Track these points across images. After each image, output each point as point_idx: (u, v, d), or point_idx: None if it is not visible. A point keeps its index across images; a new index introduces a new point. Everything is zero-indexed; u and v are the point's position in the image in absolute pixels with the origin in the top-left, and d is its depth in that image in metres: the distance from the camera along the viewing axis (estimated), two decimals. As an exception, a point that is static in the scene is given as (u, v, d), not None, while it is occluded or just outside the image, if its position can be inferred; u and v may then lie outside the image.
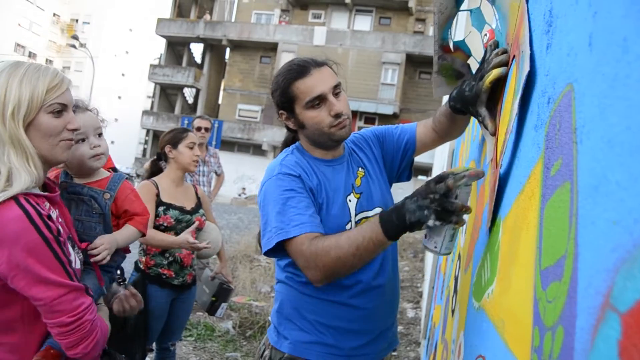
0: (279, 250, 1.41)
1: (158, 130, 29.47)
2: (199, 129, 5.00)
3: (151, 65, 31.60)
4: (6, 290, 1.17)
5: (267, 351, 1.59)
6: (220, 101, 32.43)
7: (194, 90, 32.59)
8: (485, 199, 1.36)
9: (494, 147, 1.30)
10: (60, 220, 1.29)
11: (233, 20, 31.73)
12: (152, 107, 32.44)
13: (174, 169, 2.85)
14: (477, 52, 1.49)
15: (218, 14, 32.41)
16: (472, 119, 1.58)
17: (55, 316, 1.16)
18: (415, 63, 28.34)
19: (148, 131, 30.76)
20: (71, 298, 1.16)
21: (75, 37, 28.69)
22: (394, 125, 1.75)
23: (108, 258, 1.55)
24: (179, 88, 31.60)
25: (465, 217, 1.15)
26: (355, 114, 27.77)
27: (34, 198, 1.16)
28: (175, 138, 2.87)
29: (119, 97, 43.71)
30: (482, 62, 1.31)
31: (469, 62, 1.51)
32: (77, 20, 46.48)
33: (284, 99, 1.52)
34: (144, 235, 1.79)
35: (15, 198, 1.11)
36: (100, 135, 1.63)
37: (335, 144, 1.55)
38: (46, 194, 1.25)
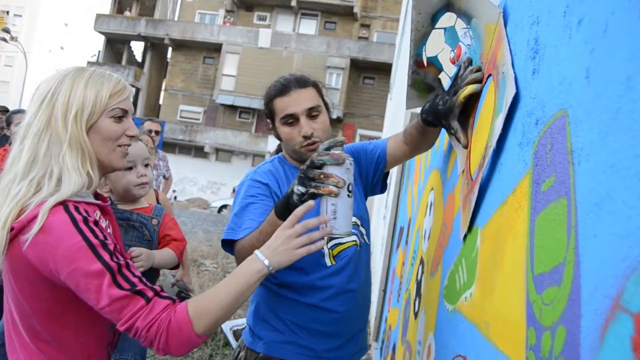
0: (228, 247, 1.54)
1: (95, 129, 28.52)
2: (149, 131, 4.92)
3: (89, 63, 30.49)
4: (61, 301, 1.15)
5: (242, 352, 1.64)
6: (161, 101, 31.78)
7: (133, 89, 31.75)
8: (456, 208, 1.45)
9: (466, 159, 1.38)
10: (109, 230, 1.26)
11: (176, 19, 31.19)
12: (89, 105, 31.39)
13: None
14: (448, 67, 1.58)
15: (160, 12, 31.77)
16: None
17: (116, 322, 1.11)
18: (359, 68, 28.80)
19: (85, 130, 29.74)
20: (119, 306, 1.08)
21: (6, 30, 27.39)
22: (367, 141, 1.84)
23: (141, 270, 1.55)
24: (118, 87, 30.71)
25: (335, 188, 1.26)
26: (299, 117, 27.85)
27: (84, 206, 1.14)
28: None
29: (54, 94, 41.83)
30: (455, 78, 1.40)
31: (440, 76, 1.60)
32: (7, 12, 44.28)
33: (267, 111, 1.65)
34: (178, 263, 1.79)
35: (64, 205, 1.10)
36: (147, 165, 1.66)
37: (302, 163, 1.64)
38: (98, 202, 1.23)
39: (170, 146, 27.04)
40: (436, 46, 1.53)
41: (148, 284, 1.14)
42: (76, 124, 1.15)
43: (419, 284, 2.06)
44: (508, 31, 1.11)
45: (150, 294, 1.11)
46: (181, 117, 29.46)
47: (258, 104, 27.80)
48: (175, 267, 1.77)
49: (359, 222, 1.71)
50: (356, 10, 28.89)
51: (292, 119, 1.57)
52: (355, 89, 29.14)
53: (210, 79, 29.78)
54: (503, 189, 1.00)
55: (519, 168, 0.92)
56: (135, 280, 1.11)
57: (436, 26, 1.47)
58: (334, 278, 1.59)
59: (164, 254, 1.72)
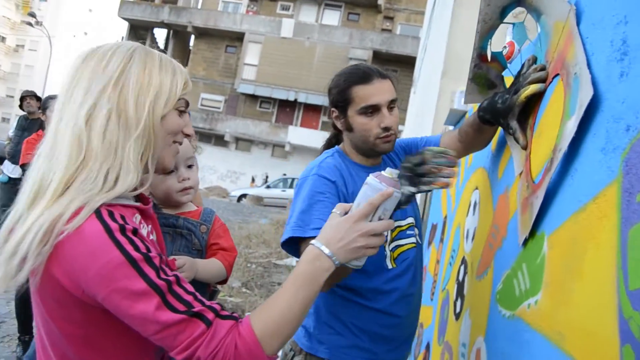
0: (292, 246, 1.44)
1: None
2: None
3: (112, 50, 30.70)
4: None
5: (299, 357, 1.60)
6: (183, 89, 31.92)
7: (156, 77, 31.97)
8: (511, 210, 1.41)
9: (525, 161, 1.34)
10: (152, 237, 1.08)
11: (199, 7, 31.23)
12: (112, 93, 31.63)
13: None
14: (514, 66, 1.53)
15: (184, 0, 31.84)
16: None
17: (169, 350, 0.93)
18: (381, 60, 28.57)
19: (108, 117, 29.88)
20: (174, 332, 0.90)
21: (32, 15, 27.71)
22: (419, 137, 1.80)
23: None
24: (141, 74, 30.87)
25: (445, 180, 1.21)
26: (319, 108, 27.84)
27: (119, 210, 0.95)
28: None
29: (77, 80, 42.21)
30: (518, 76, 1.35)
31: (503, 74, 1.55)
32: (33, -3, 44.84)
33: (340, 99, 1.55)
34: (226, 277, 1.57)
35: (96, 211, 0.91)
36: (190, 166, 1.50)
37: (376, 155, 1.61)
38: (138, 204, 1.04)
39: (191, 134, 27.15)
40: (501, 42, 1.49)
41: (205, 301, 0.96)
42: (151, 111, 0.99)
43: (460, 284, 2.02)
44: (582, 30, 1.07)
45: (210, 315, 0.93)
46: (202, 105, 29.58)
47: (279, 93, 27.79)
48: (223, 282, 1.56)
49: (413, 223, 1.67)
50: (380, 2, 28.67)
51: (372, 109, 1.51)
52: (377, 81, 28.92)
53: (232, 68, 29.83)
54: (579, 196, 0.96)
55: (601, 175, 0.88)
56: (189, 298, 0.93)
57: (505, 20, 1.42)
58: (397, 281, 1.57)
59: (210, 265, 1.50)
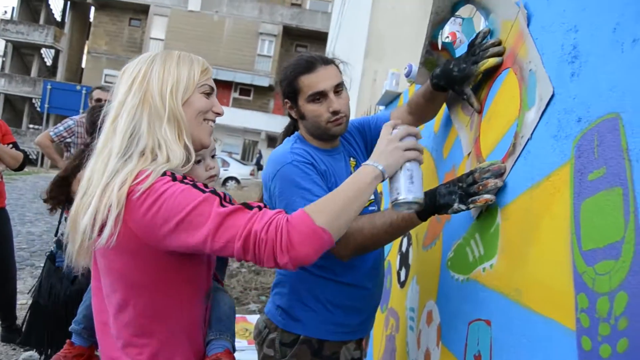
0: None
1: (10, 94, 26.67)
2: (98, 100, 4.76)
3: (2, 20, 28.26)
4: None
5: (274, 334, 1.66)
6: (83, 65, 30.18)
7: (52, 51, 29.91)
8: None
9: (473, 142, 1.52)
10: None
11: (99, -24, 29.47)
12: (2, 68, 29.22)
13: None
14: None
15: (82, -32, 29.89)
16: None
17: (228, 249, 1.07)
18: (292, 36, 28.59)
19: (-2, 94, 27.56)
20: (231, 220, 1.06)
21: None
22: (369, 116, 1.92)
23: None
24: (36, 48, 28.70)
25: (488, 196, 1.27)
26: (230, 84, 27.47)
27: (179, 177, 1.15)
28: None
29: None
30: (472, 45, 1.48)
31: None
32: None
33: (290, 90, 1.63)
34: None
35: (162, 174, 1.12)
36: (213, 156, 1.59)
37: (330, 138, 1.68)
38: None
39: (94, 111, 25.83)
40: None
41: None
42: (173, 98, 1.19)
43: (403, 255, 2.21)
44: (532, 32, 1.24)
45: (256, 204, 1.12)
46: (106, 81, 28.05)
47: (188, 69, 26.93)
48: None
49: (373, 199, 1.77)
50: (289, -24, 28.55)
51: (319, 96, 1.59)
52: (288, 56, 28.58)
53: (137, 42, 28.55)
54: (532, 174, 1.14)
55: (554, 157, 1.06)
56: (237, 203, 1.12)
57: (455, 14, 1.58)
58: (365, 255, 1.65)
59: None
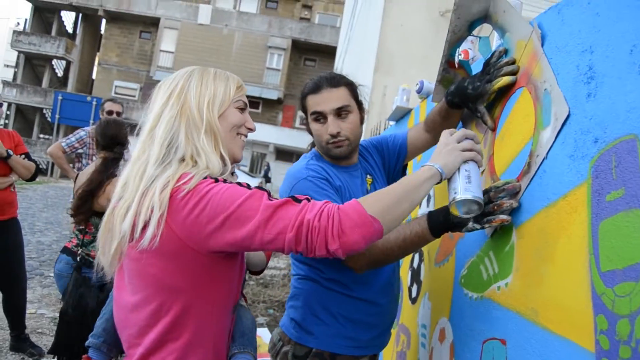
0: None
1: (22, 104, 26.91)
2: (110, 112, 4.81)
3: (15, 32, 28.61)
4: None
5: (287, 347, 1.66)
6: (94, 76, 30.42)
7: (63, 62, 30.21)
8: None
9: (488, 160, 1.52)
10: None
11: (111, -11, 29.82)
12: (14, 79, 29.52)
13: None
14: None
15: (94, -18, 30.25)
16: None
17: (279, 242, 1.08)
18: (300, 49, 28.75)
19: (10, 105, 27.69)
20: (282, 212, 1.09)
21: None
22: (388, 134, 1.93)
23: None
24: (48, 59, 29.01)
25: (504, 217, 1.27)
26: (239, 97, 27.53)
27: None
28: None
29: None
30: (487, 64, 1.49)
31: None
32: None
33: (303, 108, 1.71)
34: (264, 267, 1.74)
35: (204, 177, 1.16)
36: (233, 173, 1.63)
37: (333, 158, 1.70)
38: None
39: (104, 123, 26.01)
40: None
41: None
42: (210, 110, 1.24)
43: (415, 271, 2.21)
44: (546, 52, 1.25)
45: (303, 197, 1.14)
46: (116, 92, 28.32)
47: (197, 82, 27.12)
48: (259, 272, 1.67)
49: None
50: (298, -10, 28.77)
51: (320, 117, 1.64)
52: (297, 70, 29.12)
53: (147, 55, 28.82)
54: (547, 194, 1.14)
55: (570, 177, 1.06)
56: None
57: (472, 33, 1.59)
58: (379, 272, 1.67)
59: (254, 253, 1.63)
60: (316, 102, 1.64)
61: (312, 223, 1.07)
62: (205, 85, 1.27)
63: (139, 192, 1.15)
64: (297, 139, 25.39)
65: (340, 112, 1.64)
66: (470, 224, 1.30)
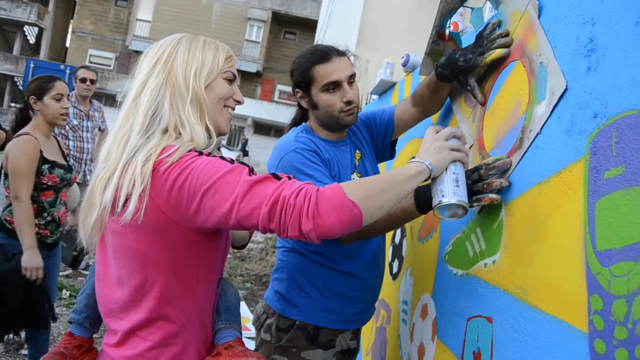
0: None
1: (-8, 71, 26.16)
2: (83, 80, 4.68)
3: (-21, -5, 27.58)
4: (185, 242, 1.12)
5: (271, 319, 1.66)
6: (68, 44, 29.58)
7: (36, 29, 29.27)
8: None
9: (475, 135, 1.49)
10: None
11: (85, -47, 28.85)
12: (-17, 45, 28.58)
13: (42, 122, 2.63)
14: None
15: (67, -55, 29.23)
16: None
17: (253, 217, 1.02)
18: (281, 22, 28.33)
19: (-21, 72, 26.78)
20: (260, 187, 1.03)
21: None
22: (376, 109, 1.90)
23: None
24: (19, 25, 28.05)
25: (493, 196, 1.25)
26: (217, 69, 27.11)
27: None
28: (40, 88, 2.61)
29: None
30: (480, 37, 1.45)
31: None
32: None
33: (303, 79, 1.63)
34: (247, 242, 1.64)
35: (188, 150, 1.12)
36: (219, 149, 1.59)
37: (341, 128, 1.69)
38: None
39: (77, 92, 25.42)
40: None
41: None
42: (196, 80, 1.19)
43: (396, 247, 2.18)
44: (543, 24, 1.21)
45: (285, 176, 1.09)
46: (90, 62, 27.57)
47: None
48: (242, 247, 1.63)
49: None
50: (279, -39, 28.20)
51: (333, 86, 1.60)
52: (276, 43, 28.74)
53: (123, 23, 28.05)
54: (541, 170, 1.11)
55: (566, 153, 1.03)
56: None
57: (465, 4, 1.54)
58: (364, 247, 1.66)
59: None
60: (329, 71, 1.59)
61: (288, 200, 1.01)
62: (193, 53, 1.22)
63: (120, 164, 1.11)
64: (275, 112, 25.16)
65: (350, 80, 1.63)
66: None
